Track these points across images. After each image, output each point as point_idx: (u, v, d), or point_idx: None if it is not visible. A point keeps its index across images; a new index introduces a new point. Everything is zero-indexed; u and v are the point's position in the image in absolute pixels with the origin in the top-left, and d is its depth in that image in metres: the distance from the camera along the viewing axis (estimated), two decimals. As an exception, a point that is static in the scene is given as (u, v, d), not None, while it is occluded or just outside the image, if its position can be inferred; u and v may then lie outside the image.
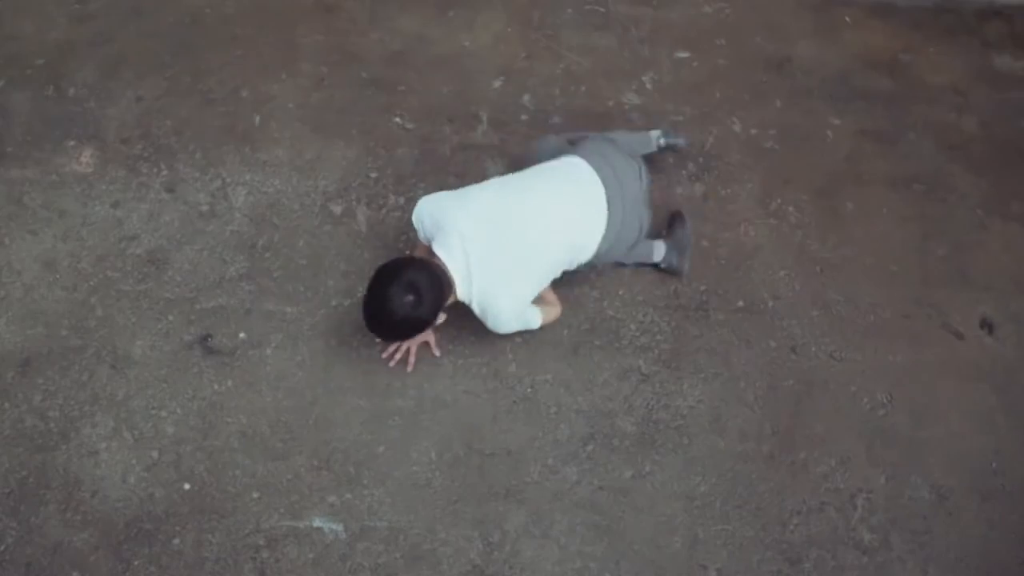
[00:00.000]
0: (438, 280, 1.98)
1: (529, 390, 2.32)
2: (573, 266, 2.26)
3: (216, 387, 2.27)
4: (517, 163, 2.75)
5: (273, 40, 3.01)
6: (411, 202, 2.63)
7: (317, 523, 2.09)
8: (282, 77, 2.91)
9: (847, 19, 3.33)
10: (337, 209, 2.61)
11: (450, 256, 2.02)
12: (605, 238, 2.22)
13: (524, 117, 2.88)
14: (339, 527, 2.09)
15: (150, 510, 2.08)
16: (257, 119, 2.80)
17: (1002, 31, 3.32)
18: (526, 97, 2.93)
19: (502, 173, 2.72)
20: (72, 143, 2.70)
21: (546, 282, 2.22)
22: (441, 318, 2.07)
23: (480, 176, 2.71)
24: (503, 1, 3.21)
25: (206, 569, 2.01)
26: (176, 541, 2.04)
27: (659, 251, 2.48)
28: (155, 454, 2.16)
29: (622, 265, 2.49)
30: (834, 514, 2.18)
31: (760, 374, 2.38)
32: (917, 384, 2.39)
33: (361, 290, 2.44)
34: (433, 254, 2.06)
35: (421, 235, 2.16)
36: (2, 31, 2.97)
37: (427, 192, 2.64)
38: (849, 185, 2.81)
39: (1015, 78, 3.16)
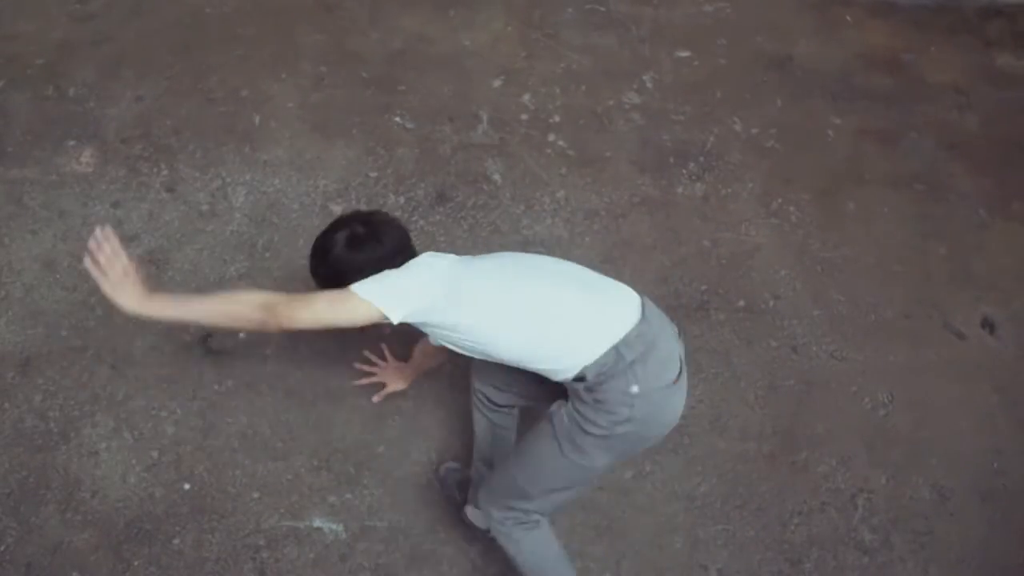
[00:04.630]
0: None
1: (529, 390, 2.31)
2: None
3: (216, 387, 2.26)
4: (515, 164, 2.76)
5: (273, 40, 3.01)
6: (411, 201, 2.63)
7: (317, 523, 2.09)
8: (282, 77, 2.90)
9: (848, 18, 3.33)
10: (337, 209, 2.60)
11: None
12: None
13: (524, 116, 2.87)
14: (339, 527, 2.09)
15: (150, 510, 2.08)
16: (257, 119, 2.79)
17: (1003, 30, 3.31)
18: (526, 96, 2.93)
19: (502, 173, 2.72)
20: (72, 143, 2.70)
21: None
22: None
23: (480, 176, 2.71)
24: (503, 0, 3.21)
25: (206, 569, 2.01)
26: (176, 541, 2.04)
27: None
28: (155, 454, 2.15)
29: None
30: (835, 514, 2.18)
31: (761, 374, 2.38)
32: (918, 384, 2.39)
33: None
34: None
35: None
36: (2, 31, 2.97)
37: (427, 191, 2.65)
38: (850, 184, 2.81)
39: (1017, 77, 3.16)
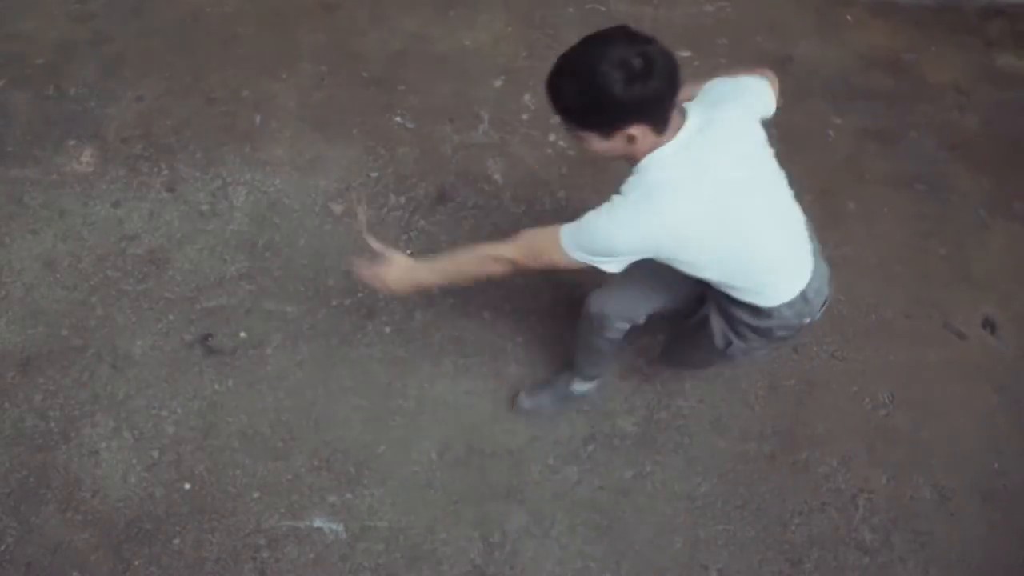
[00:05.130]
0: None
1: (530, 390, 2.32)
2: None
3: (216, 387, 2.26)
4: (516, 164, 2.75)
5: (274, 39, 3.00)
6: (411, 201, 2.63)
7: (317, 523, 2.09)
8: (283, 76, 2.90)
9: (849, 18, 3.32)
10: (338, 208, 2.61)
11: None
12: None
13: (525, 116, 2.87)
14: (339, 527, 2.09)
15: (150, 510, 2.08)
16: (257, 118, 2.79)
17: (1004, 30, 3.31)
18: (527, 96, 2.93)
19: (503, 173, 2.72)
20: (73, 142, 2.70)
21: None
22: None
23: (481, 175, 2.71)
24: (504, 0, 3.20)
25: (206, 569, 2.01)
26: (176, 541, 2.04)
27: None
28: (155, 454, 2.15)
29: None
30: (835, 514, 2.18)
31: (761, 374, 2.37)
32: (919, 384, 2.39)
33: (362, 290, 2.45)
34: None
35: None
36: (2, 31, 2.97)
37: (427, 191, 2.65)
38: (851, 184, 2.80)
39: (1017, 77, 3.15)
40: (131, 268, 2.45)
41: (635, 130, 1.43)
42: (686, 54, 3.10)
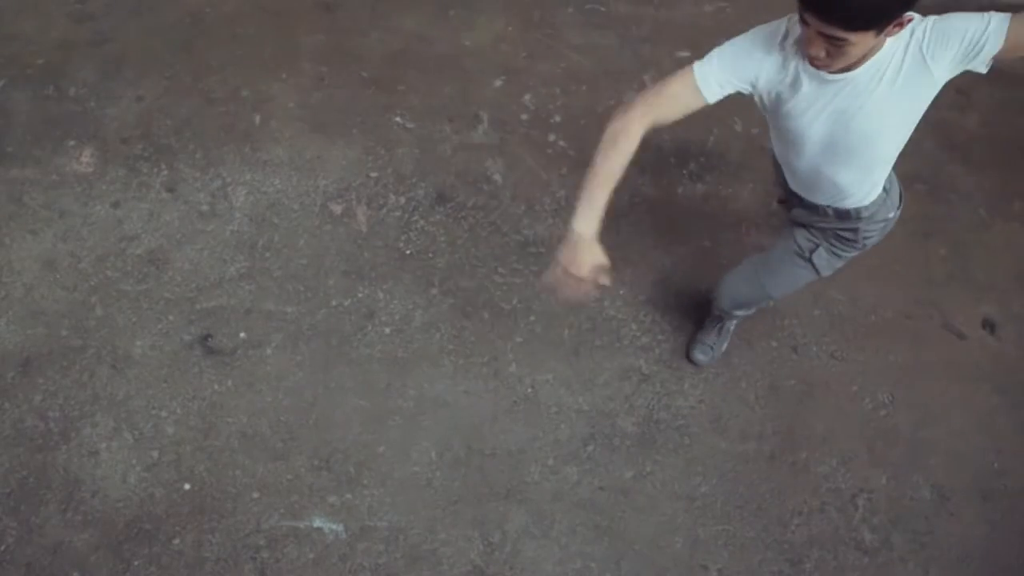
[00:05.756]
0: None
1: (530, 390, 2.32)
2: None
3: (216, 387, 2.26)
4: (516, 164, 2.75)
5: (273, 40, 3.00)
6: (411, 201, 2.63)
7: (317, 523, 2.09)
8: (282, 77, 2.90)
9: (848, 18, 3.32)
10: (337, 209, 2.61)
11: None
12: None
13: (525, 117, 2.87)
14: (339, 527, 2.09)
15: (150, 510, 2.08)
16: (257, 119, 2.79)
17: (1004, 30, 3.31)
18: (527, 96, 2.93)
19: (502, 173, 2.72)
20: (72, 143, 2.70)
21: None
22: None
23: (481, 176, 2.70)
24: (503, 0, 3.20)
25: (206, 569, 2.01)
26: (176, 541, 2.04)
27: None
28: (155, 454, 2.16)
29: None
30: (835, 514, 2.18)
31: (761, 374, 2.38)
32: (919, 384, 2.39)
33: (362, 290, 2.44)
34: None
35: None
36: (2, 31, 2.97)
37: (427, 191, 2.65)
38: (850, 184, 2.80)
39: (1017, 77, 3.15)
40: (131, 268, 2.45)
41: (908, 15, 1.36)
42: (686, 54, 3.10)
